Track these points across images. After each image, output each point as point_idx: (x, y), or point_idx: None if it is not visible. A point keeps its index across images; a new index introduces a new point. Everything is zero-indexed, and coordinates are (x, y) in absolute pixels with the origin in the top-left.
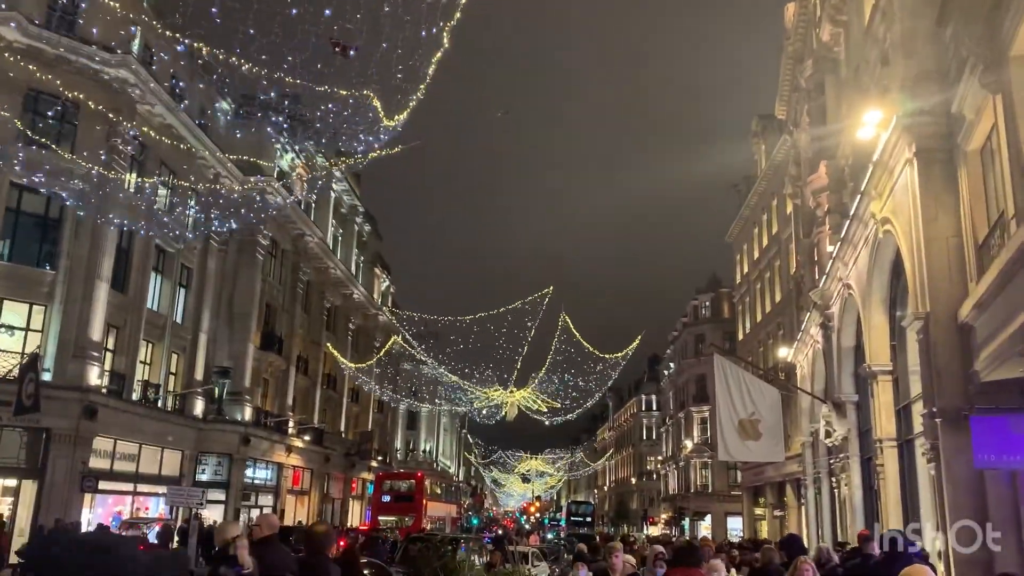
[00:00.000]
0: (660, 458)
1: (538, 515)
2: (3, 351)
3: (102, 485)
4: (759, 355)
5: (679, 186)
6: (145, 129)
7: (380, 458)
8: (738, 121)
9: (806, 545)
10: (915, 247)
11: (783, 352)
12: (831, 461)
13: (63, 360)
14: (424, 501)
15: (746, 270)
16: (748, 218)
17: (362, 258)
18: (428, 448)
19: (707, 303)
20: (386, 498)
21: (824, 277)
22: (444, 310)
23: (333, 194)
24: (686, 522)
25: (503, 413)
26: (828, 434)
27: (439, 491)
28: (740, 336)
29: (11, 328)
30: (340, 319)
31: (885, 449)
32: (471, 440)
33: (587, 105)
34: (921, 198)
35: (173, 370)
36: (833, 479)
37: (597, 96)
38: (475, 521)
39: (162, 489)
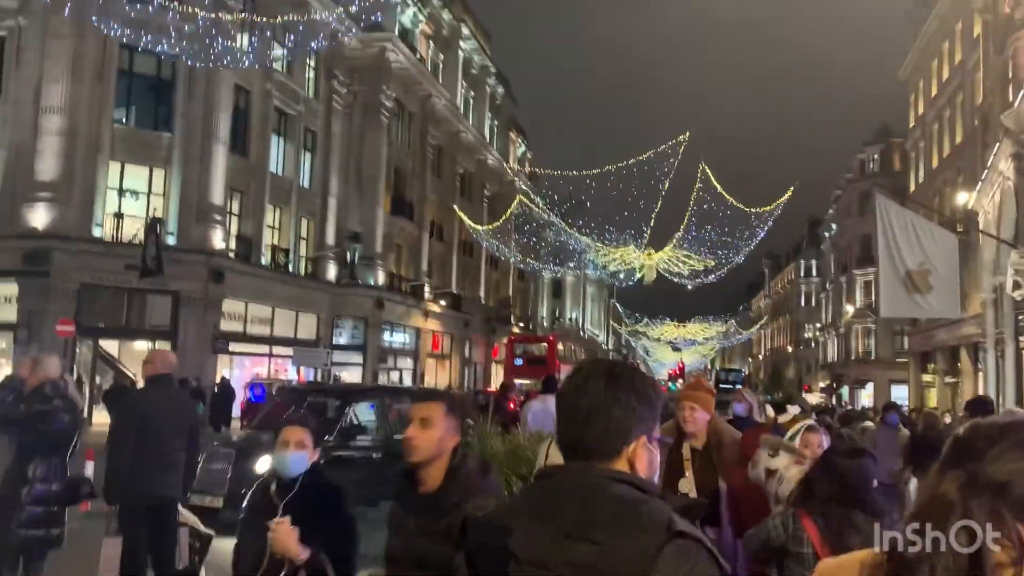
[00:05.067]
0: (819, 325)
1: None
2: (130, 216)
3: (237, 347)
4: (933, 207)
5: (838, 24)
6: None
7: (522, 325)
8: None
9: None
10: None
11: (962, 198)
12: (1020, 318)
13: (186, 224)
14: (557, 363)
15: (921, 111)
16: (925, 49)
17: (496, 122)
18: (574, 316)
19: (875, 156)
20: (519, 361)
21: (1021, 93)
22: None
23: (462, 54)
24: (844, 390)
25: (640, 275)
26: (1018, 286)
27: (583, 355)
28: (912, 188)
29: (135, 192)
30: (475, 185)
31: None
32: (619, 309)
33: None
34: None
35: (303, 235)
36: (1021, 340)
37: None
38: None
39: None
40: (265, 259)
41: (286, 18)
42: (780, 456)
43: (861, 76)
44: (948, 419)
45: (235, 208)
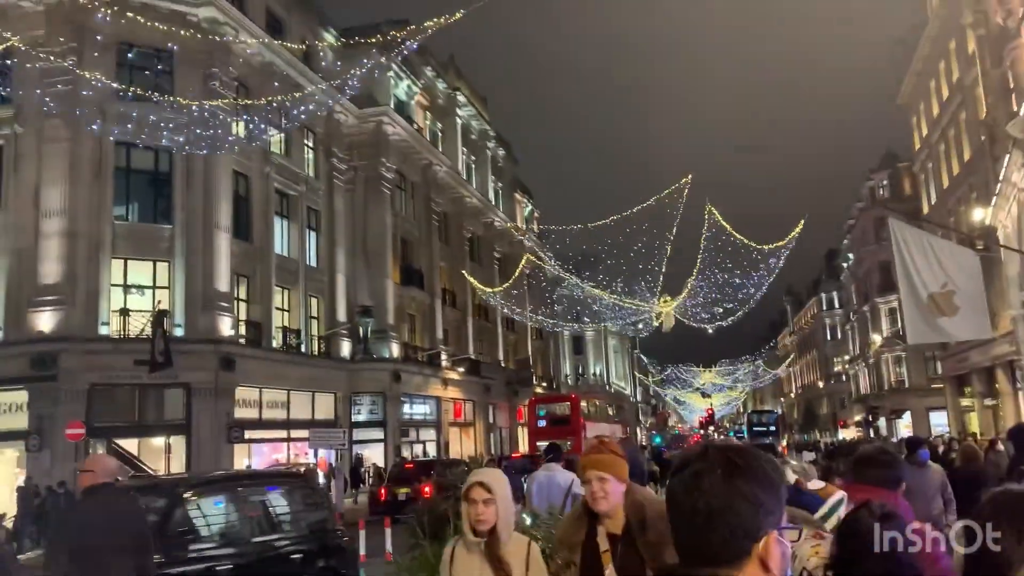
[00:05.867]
0: (847, 358)
1: (718, 427)
2: (136, 311)
3: (254, 434)
4: (950, 227)
5: (832, 56)
6: (245, 70)
7: (545, 385)
8: None
9: None
10: None
11: (979, 215)
12: None
13: (193, 314)
14: (582, 422)
15: (925, 132)
16: (921, 72)
17: (500, 184)
18: (598, 371)
19: (884, 182)
20: (542, 423)
21: None
22: (588, 218)
23: (460, 121)
24: (881, 422)
25: (658, 323)
26: None
27: (610, 411)
28: (926, 210)
29: (139, 287)
30: (484, 248)
31: None
32: (644, 360)
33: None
34: None
35: (314, 314)
36: None
37: None
38: (658, 440)
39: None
40: (276, 342)
41: (279, 98)
42: (804, 536)
43: (859, 105)
44: (1001, 445)
45: (242, 293)
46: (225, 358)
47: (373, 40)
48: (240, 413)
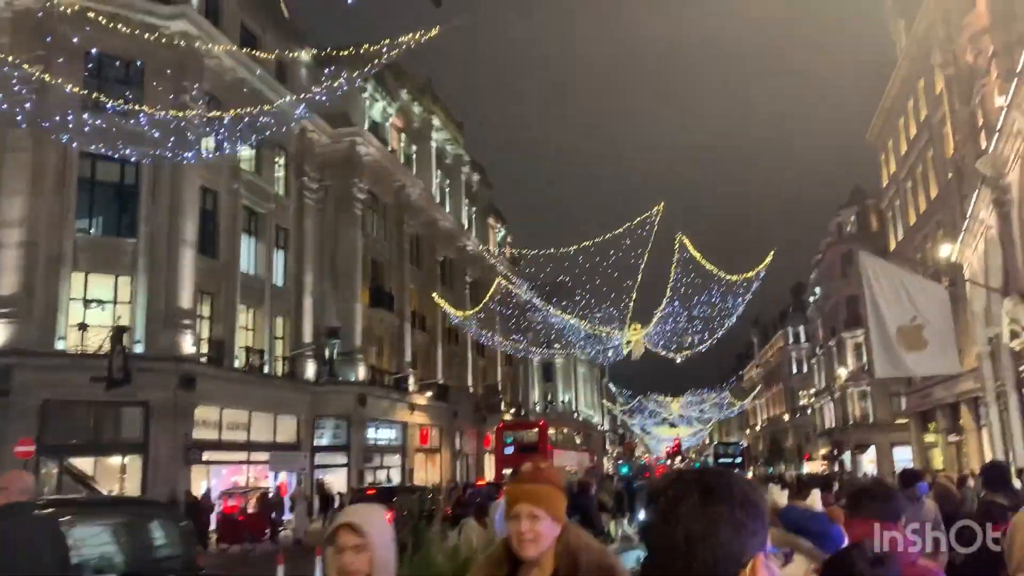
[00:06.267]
0: (813, 391)
1: (684, 458)
2: (95, 326)
3: (213, 456)
4: (916, 263)
5: (805, 103)
6: (217, 84)
7: (514, 411)
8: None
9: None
10: None
11: (945, 251)
12: (1021, 369)
13: (154, 330)
14: (550, 448)
15: (893, 169)
16: (890, 109)
17: (473, 209)
18: (567, 399)
19: (852, 217)
20: (509, 450)
21: (995, 138)
22: (561, 244)
23: (434, 144)
24: (846, 456)
25: (627, 352)
26: (1014, 335)
27: (578, 440)
28: (893, 246)
29: (100, 302)
30: (456, 273)
31: None
32: (613, 388)
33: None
34: None
35: (279, 334)
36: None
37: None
38: (624, 470)
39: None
40: (239, 362)
41: (248, 109)
42: (796, 562)
43: (829, 142)
44: (971, 482)
45: (206, 311)
46: (185, 377)
47: (346, 52)
48: (199, 434)
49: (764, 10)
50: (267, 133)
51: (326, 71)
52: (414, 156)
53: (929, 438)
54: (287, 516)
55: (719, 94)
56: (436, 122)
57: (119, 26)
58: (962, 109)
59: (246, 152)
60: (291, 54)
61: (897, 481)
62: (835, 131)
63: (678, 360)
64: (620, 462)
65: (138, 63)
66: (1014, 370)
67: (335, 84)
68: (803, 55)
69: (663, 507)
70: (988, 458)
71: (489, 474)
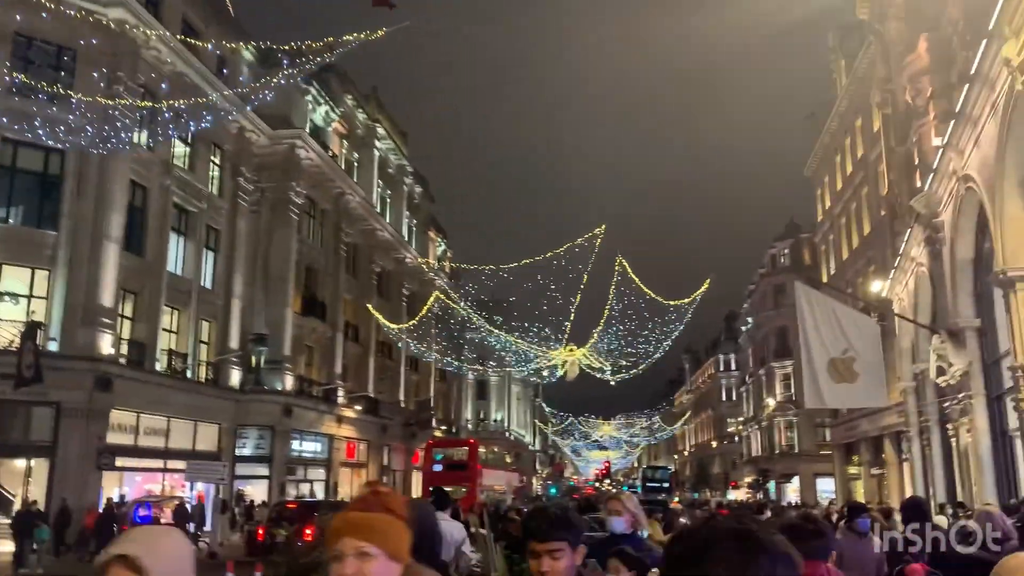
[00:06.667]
0: (741, 419)
1: (613, 481)
2: (8, 320)
3: (126, 462)
4: (847, 297)
5: (746, 134)
6: (154, 76)
7: (445, 428)
8: (810, 49)
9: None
10: None
11: (876, 287)
12: (945, 405)
13: (71, 328)
14: (479, 467)
15: (828, 205)
16: (828, 145)
17: (414, 220)
18: (500, 417)
19: (785, 251)
20: (438, 467)
21: (930, 178)
22: (502, 260)
23: (377, 153)
24: (771, 485)
25: (562, 372)
26: (941, 371)
27: (508, 459)
28: (825, 279)
29: (14, 296)
30: (393, 284)
31: None
32: (545, 409)
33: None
34: None
35: (204, 338)
36: (948, 426)
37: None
38: (553, 491)
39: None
40: (161, 365)
41: (181, 102)
42: None
43: (769, 173)
44: (897, 516)
45: (128, 310)
46: (102, 378)
47: (288, 47)
48: (113, 438)
49: (718, 43)
50: (203, 125)
51: (269, 71)
52: (356, 163)
53: (852, 470)
54: (207, 527)
55: (672, 123)
56: (380, 130)
57: (52, 9)
58: (898, 148)
59: (180, 149)
60: (231, 45)
61: (844, 512)
62: (777, 165)
63: (612, 382)
64: (549, 483)
65: (71, 49)
66: (938, 406)
67: (276, 82)
68: (755, 86)
69: (695, 545)
70: (909, 492)
71: (416, 491)
